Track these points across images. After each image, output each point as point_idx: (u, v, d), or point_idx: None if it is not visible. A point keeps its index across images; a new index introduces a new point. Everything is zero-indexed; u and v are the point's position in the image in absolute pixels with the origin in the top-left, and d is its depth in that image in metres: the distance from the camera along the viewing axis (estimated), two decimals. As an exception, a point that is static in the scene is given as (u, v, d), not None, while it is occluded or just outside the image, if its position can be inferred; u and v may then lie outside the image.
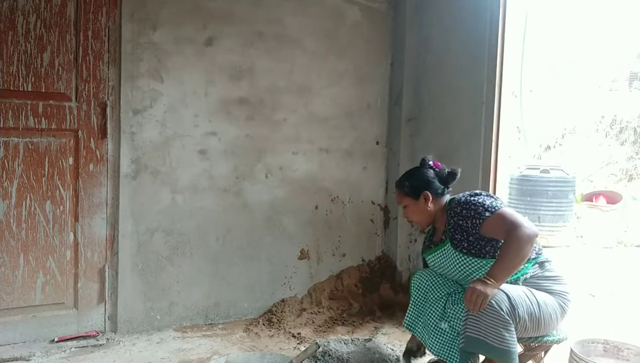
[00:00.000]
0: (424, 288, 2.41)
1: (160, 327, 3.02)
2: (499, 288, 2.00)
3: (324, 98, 3.37)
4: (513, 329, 1.98)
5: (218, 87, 3.07)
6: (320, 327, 3.15)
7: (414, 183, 2.38)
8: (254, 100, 3.17)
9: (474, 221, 2.18)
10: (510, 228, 2.05)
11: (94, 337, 2.86)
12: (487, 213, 2.15)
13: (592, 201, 6.81)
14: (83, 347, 2.77)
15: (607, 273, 4.94)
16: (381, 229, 3.63)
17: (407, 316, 2.46)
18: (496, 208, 2.15)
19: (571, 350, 2.38)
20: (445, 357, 2.24)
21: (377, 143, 3.57)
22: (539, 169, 6.42)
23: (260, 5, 3.14)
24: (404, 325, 2.49)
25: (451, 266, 2.29)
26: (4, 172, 2.65)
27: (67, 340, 2.79)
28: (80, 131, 2.79)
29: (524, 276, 2.17)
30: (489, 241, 2.18)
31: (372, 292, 3.50)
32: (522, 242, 2.01)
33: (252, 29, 3.13)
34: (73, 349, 2.73)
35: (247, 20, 3.11)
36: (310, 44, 3.30)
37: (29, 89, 2.66)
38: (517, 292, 2.05)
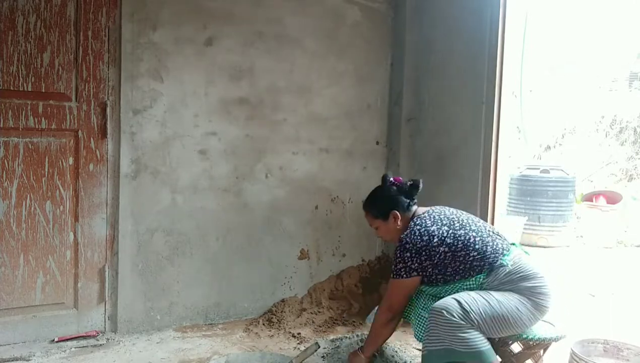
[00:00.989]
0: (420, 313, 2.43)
1: (160, 327, 3.02)
2: (451, 297, 2.10)
3: (324, 98, 3.37)
4: (473, 330, 2.02)
5: (218, 87, 3.07)
6: (320, 327, 3.15)
7: (381, 205, 2.40)
8: (254, 100, 3.17)
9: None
10: (382, 302, 2.34)
11: (94, 337, 2.86)
12: (392, 275, 2.29)
13: (592, 201, 6.81)
14: (83, 347, 2.77)
15: (607, 273, 4.94)
16: (381, 229, 3.63)
17: (405, 308, 2.46)
18: (394, 276, 2.27)
19: (571, 350, 2.38)
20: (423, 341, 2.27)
21: (377, 143, 3.57)
22: (539, 169, 6.42)
23: (260, 5, 3.14)
24: (403, 317, 2.47)
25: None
26: (4, 172, 2.65)
27: (67, 340, 2.79)
28: (80, 131, 2.79)
29: (481, 287, 2.18)
30: (430, 269, 2.24)
31: (372, 292, 3.49)
32: (380, 327, 2.35)
33: (252, 29, 3.13)
34: (73, 349, 2.73)
35: (247, 20, 3.11)
36: (310, 44, 3.30)
37: (29, 89, 2.66)
38: (469, 296, 2.09)
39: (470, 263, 2.19)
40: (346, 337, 2.88)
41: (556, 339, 2.23)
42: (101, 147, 2.84)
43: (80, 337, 2.83)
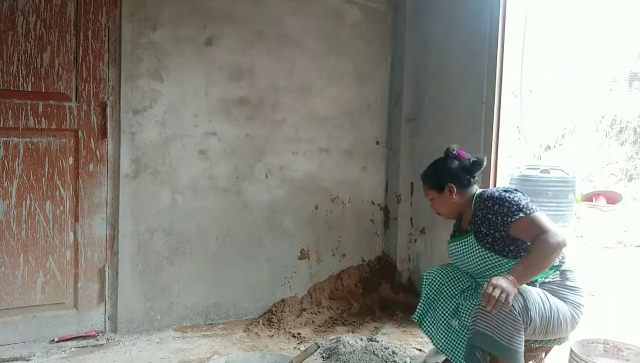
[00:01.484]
0: (438, 284, 2.37)
1: (160, 327, 3.02)
2: (518, 289, 1.97)
3: (324, 98, 3.37)
4: (522, 330, 1.96)
5: (218, 87, 3.07)
6: (320, 327, 3.15)
7: (438, 175, 2.33)
8: (254, 100, 3.17)
9: (505, 218, 2.13)
10: (540, 233, 2.02)
11: (94, 337, 2.86)
12: (521, 214, 2.09)
13: (592, 201, 6.81)
14: (83, 347, 2.76)
15: (607, 273, 4.94)
16: (381, 229, 3.63)
17: (418, 309, 2.41)
18: (531, 210, 2.10)
19: (571, 350, 2.38)
20: (450, 355, 2.23)
21: (377, 143, 3.57)
22: (539, 169, 6.43)
23: (260, 5, 3.14)
24: (413, 318, 2.43)
25: (470, 258, 2.26)
26: (4, 172, 2.65)
27: (67, 340, 2.79)
28: (80, 131, 2.79)
29: (543, 279, 2.14)
30: (514, 241, 2.14)
31: (372, 292, 3.50)
32: (551, 248, 1.98)
33: (252, 29, 3.13)
34: (73, 349, 2.73)
35: (247, 20, 3.11)
36: (310, 44, 3.30)
37: (29, 89, 2.66)
38: (533, 294, 2.03)
39: None
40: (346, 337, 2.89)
41: (559, 342, 2.22)
42: (101, 147, 2.84)
43: (80, 337, 2.83)
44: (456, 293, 2.33)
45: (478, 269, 2.26)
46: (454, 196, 2.30)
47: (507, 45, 2.90)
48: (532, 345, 2.22)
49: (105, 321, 2.93)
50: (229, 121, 3.12)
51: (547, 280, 2.15)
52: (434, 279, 2.39)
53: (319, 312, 3.30)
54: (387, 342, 2.89)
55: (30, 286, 2.75)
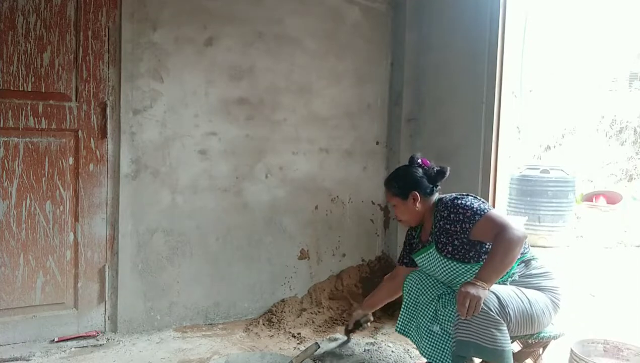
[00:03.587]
0: (415, 292, 2.40)
1: (160, 327, 3.02)
2: (489, 290, 2.00)
3: (324, 98, 3.37)
4: (505, 328, 1.98)
5: (218, 87, 3.07)
6: (320, 327, 3.15)
7: (402, 183, 2.36)
8: (254, 100, 3.17)
9: (463, 225, 2.16)
10: (500, 230, 2.05)
11: (94, 337, 2.86)
12: (477, 217, 2.13)
13: (592, 201, 6.81)
14: (83, 347, 2.76)
15: (607, 273, 4.94)
16: (381, 229, 3.63)
17: (400, 320, 2.44)
18: (484, 211, 2.15)
19: (571, 350, 2.39)
20: (437, 360, 2.23)
21: (377, 143, 3.57)
22: (539, 169, 6.42)
23: (260, 5, 3.14)
24: (396, 330, 2.47)
25: (437, 269, 2.30)
26: (4, 172, 2.65)
27: (67, 340, 2.79)
28: (80, 131, 2.79)
29: (512, 277, 2.17)
30: (473, 246, 2.18)
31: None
32: (512, 244, 2.01)
33: (252, 29, 3.13)
34: (73, 349, 2.73)
35: (247, 20, 3.11)
36: (310, 44, 3.30)
37: (29, 89, 2.66)
38: (506, 291, 2.06)
39: None
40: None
41: (555, 337, 2.23)
42: (101, 147, 2.84)
43: (80, 337, 2.83)
44: (433, 298, 2.34)
45: (446, 278, 2.29)
46: (417, 204, 2.33)
47: (507, 45, 2.90)
48: (528, 340, 2.22)
49: (105, 321, 2.93)
50: (229, 121, 3.12)
51: (515, 276, 2.17)
52: (412, 287, 2.42)
53: (319, 312, 3.30)
54: (387, 341, 2.90)
55: (30, 286, 2.75)
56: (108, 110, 2.82)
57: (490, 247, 2.12)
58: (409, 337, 2.42)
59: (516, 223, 2.08)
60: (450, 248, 2.21)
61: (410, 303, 2.42)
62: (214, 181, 3.11)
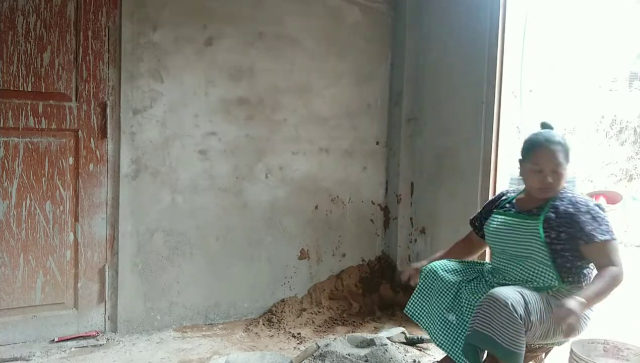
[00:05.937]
0: (432, 277, 2.32)
1: (160, 327, 3.02)
2: (519, 293, 1.97)
3: (324, 98, 3.37)
4: (523, 333, 1.95)
5: (218, 87, 3.07)
6: (320, 327, 3.15)
7: (568, 148, 2.22)
8: (254, 100, 3.17)
9: (592, 231, 2.06)
10: (614, 264, 2.04)
11: (94, 337, 2.86)
12: (608, 236, 2.06)
13: (592, 201, 6.80)
14: (83, 347, 2.76)
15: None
16: (381, 229, 3.63)
17: (411, 303, 2.36)
18: (615, 238, 2.08)
19: (571, 350, 2.38)
20: (449, 350, 2.19)
21: (377, 143, 3.57)
22: (539, 169, 6.41)
23: (260, 5, 3.14)
24: (405, 311, 2.39)
25: (517, 241, 2.17)
26: (4, 172, 2.65)
27: (67, 340, 2.79)
28: (80, 131, 2.79)
29: (552, 289, 2.12)
30: (576, 259, 2.11)
31: (372, 292, 3.50)
32: (618, 284, 2.05)
33: (252, 29, 3.13)
34: (73, 349, 2.73)
35: (247, 20, 3.11)
36: (310, 44, 3.30)
37: (29, 89, 2.66)
38: (535, 299, 2.02)
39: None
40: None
41: (559, 343, 2.22)
42: (101, 147, 2.84)
43: (80, 337, 2.83)
44: (451, 286, 2.27)
45: (515, 250, 2.18)
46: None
47: (507, 45, 2.90)
48: (532, 345, 2.21)
49: (105, 321, 2.93)
50: (229, 121, 3.12)
51: (554, 288, 2.12)
52: (429, 272, 2.34)
53: (319, 312, 3.30)
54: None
55: (30, 286, 2.75)
56: (108, 110, 2.82)
57: (585, 270, 2.12)
58: (418, 322, 2.35)
59: (619, 260, 2.08)
60: (552, 234, 2.11)
61: (425, 288, 2.34)
62: (214, 181, 3.11)
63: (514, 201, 2.31)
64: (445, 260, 2.39)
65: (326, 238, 3.46)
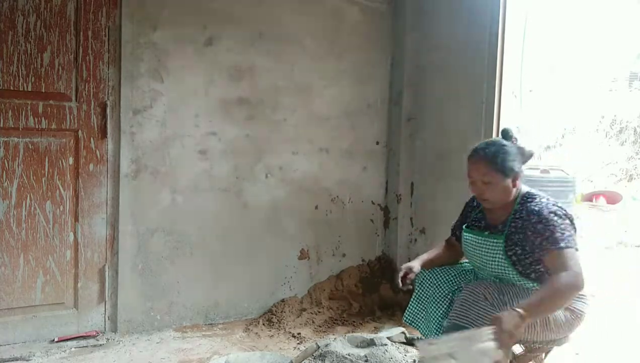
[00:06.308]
0: (428, 285, 2.33)
1: (160, 327, 3.02)
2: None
3: (324, 98, 3.37)
4: None
5: (218, 87, 3.07)
6: (320, 327, 3.15)
7: (507, 158, 2.05)
8: (254, 100, 3.17)
9: (543, 242, 1.98)
10: (567, 270, 1.89)
11: (94, 337, 2.86)
12: (562, 244, 1.93)
13: (592, 201, 6.82)
14: (83, 347, 2.76)
15: (607, 274, 4.94)
16: (381, 229, 3.63)
17: (409, 310, 2.38)
18: (571, 244, 1.95)
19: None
20: None
21: (377, 143, 3.57)
22: (539, 169, 6.42)
23: (260, 5, 3.14)
24: (404, 319, 2.41)
25: (486, 259, 2.12)
26: (4, 172, 2.65)
27: (67, 340, 2.79)
28: (80, 131, 2.79)
29: None
30: (538, 264, 2.04)
31: (372, 292, 3.50)
32: (567, 290, 1.89)
33: (252, 29, 3.13)
34: (73, 349, 2.73)
35: (247, 20, 3.11)
36: (310, 44, 3.30)
37: (29, 89, 2.66)
38: (514, 291, 2.04)
39: None
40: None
41: (559, 343, 2.22)
42: (101, 147, 2.84)
43: (80, 337, 2.83)
44: (447, 294, 2.29)
45: (487, 270, 2.16)
46: (517, 185, 2.08)
47: (507, 45, 2.90)
48: (532, 345, 2.21)
49: (105, 321, 2.93)
50: (229, 121, 3.12)
51: None
52: (425, 280, 2.33)
53: (319, 312, 3.30)
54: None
55: (30, 286, 2.75)
56: (108, 110, 2.82)
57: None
58: (417, 328, 2.37)
59: (582, 275, 1.91)
60: (518, 251, 2.04)
61: (422, 296, 2.35)
62: (214, 181, 3.11)
63: (485, 212, 2.24)
64: (438, 269, 2.35)
65: (326, 238, 3.46)
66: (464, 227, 2.30)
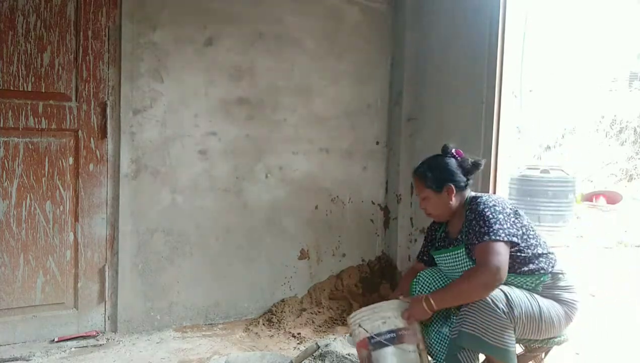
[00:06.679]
0: (426, 291, 2.30)
1: (160, 327, 3.02)
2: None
3: (324, 98, 3.37)
4: (511, 329, 1.97)
5: (218, 87, 3.07)
6: (320, 327, 3.15)
7: (437, 173, 2.20)
8: (254, 100, 3.17)
9: (473, 238, 2.07)
10: (483, 264, 1.97)
11: (94, 337, 2.86)
12: (486, 237, 2.02)
13: (592, 201, 6.82)
14: (83, 347, 2.77)
15: (607, 273, 4.94)
16: (381, 229, 3.63)
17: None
18: (495, 238, 2.01)
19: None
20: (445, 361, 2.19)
21: (377, 143, 3.57)
22: (539, 169, 6.43)
23: (260, 5, 3.14)
24: None
25: (459, 272, 2.18)
26: (4, 172, 2.65)
27: (67, 340, 2.79)
28: (80, 131, 2.79)
29: (537, 288, 2.12)
30: (513, 255, 2.08)
31: (372, 292, 3.50)
32: (479, 288, 1.97)
33: (252, 29, 3.13)
34: (73, 349, 2.73)
35: (247, 20, 3.11)
36: (310, 44, 3.30)
37: (29, 89, 2.66)
38: (517, 294, 2.04)
39: (538, 259, 2.09)
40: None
41: (558, 343, 2.22)
42: (101, 147, 2.84)
43: (80, 337, 2.83)
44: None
45: None
46: (452, 198, 2.19)
47: (507, 45, 2.90)
48: (532, 345, 2.22)
49: (105, 321, 2.93)
50: (229, 121, 3.12)
51: (539, 287, 2.12)
52: (424, 286, 2.31)
53: (319, 312, 3.30)
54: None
55: (30, 286, 2.75)
56: (108, 110, 2.82)
57: (535, 254, 2.09)
58: (424, 333, 2.34)
59: (501, 271, 1.97)
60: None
61: None
62: (214, 181, 3.11)
63: (447, 228, 2.31)
64: (435, 274, 2.32)
65: (326, 238, 3.46)
66: (432, 251, 2.35)
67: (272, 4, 3.17)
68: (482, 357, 2.15)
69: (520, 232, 2.08)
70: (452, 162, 2.23)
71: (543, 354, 2.30)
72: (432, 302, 2.03)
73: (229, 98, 3.11)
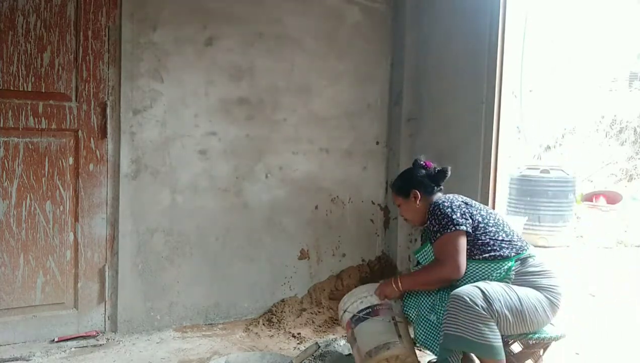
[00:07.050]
0: (425, 261, 2.46)
1: (160, 327, 3.02)
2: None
3: (324, 98, 3.37)
4: (493, 324, 2.02)
5: (218, 87, 3.07)
6: (320, 327, 3.15)
7: (404, 182, 2.50)
8: (254, 100, 3.17)
9: (432, 235, 2.30)
10: (441, 260, 2.22)
11: (94, 337, 2.86)
12: (438, 234, 2.26)
13: (592, 201, 6.81)
14: (83, 347, 2.77)
15: (607, 273, 4.94)
16: (381, 229, 3.63)
17: (404, 302, 2.46)
18: (445, 231, 2.23)
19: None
20: (429, 347, 2.29)
21: (377, 143, 3.57)
22: (539, 169, 6.42)
23: (260, 5, 3.14)
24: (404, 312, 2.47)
25: None
26: (4, 172, 2.65)
27: (67, 340, 2.79)
28: (80, 131, 2.79)
29: (509, 276, 2.18)
30: (470, 245, 2.27)
31: (372, 292, 3.49)
32: (435, 279, 2.24)
33: (252, 29, 3.13)
34: (73, 349, 2.73)
35: (247, 20, 3.11)
36: (310, 44, 3.30)
37: (29, 89, 2.66)
38: (493, 287, 2.09)
39: (500, 244, 2.23)
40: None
41: (556, 338, 2.23)
42: (101, 147, 2.84)
43: (80, 337, 2.83)
44: (432, 290, 2.36)
45: None
46: (418, 202, 2.43)
47: (507, 45, 2.90)
48: (528, 340, 2.22)
49: (105, 321, 2.93)
50: (229, 121, 3.12)
51: (512, 274, 2.18)
52: (425, 257, 2.48)
53: (319, 312, 3.30)
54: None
55: (30, 286, 2.75)
56: (108, 110, 2.82)
57: (485, 240, 2.25)
58: (409, 319, 2.45)
59: (457, 263, 2.19)
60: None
61: (408, 292, 2.46)
62: (214, 181, 3.11)
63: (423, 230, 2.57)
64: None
65: (326, 238, 3.46)
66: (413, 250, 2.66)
67: (272, 4, 3.17)
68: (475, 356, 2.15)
69: (471, 221, 2.27)
70: (420, 172, 2.50)
71: (541, 351, 2.30)
72: (400, 283, 2.34)
73: (229, 98, 3.11)
